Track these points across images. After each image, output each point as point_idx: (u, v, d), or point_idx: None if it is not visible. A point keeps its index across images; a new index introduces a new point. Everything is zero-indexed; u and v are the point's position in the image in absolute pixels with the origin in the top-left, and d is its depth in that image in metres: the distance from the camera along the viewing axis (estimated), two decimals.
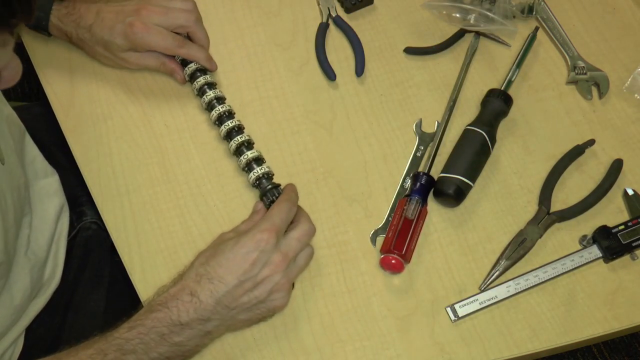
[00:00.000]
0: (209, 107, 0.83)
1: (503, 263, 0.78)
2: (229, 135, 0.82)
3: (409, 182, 0.83)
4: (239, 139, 0.81)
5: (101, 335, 0.68)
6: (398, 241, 0.77)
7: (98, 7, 0.83)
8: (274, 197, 0.78)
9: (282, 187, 0.80)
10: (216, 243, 0.73)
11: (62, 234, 0.86)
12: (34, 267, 0.79)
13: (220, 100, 0.84)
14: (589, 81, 0.90)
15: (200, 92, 0.84)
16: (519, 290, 0.77)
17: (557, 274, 0.78)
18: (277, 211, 0.72)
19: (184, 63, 0.86)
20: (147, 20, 0.81)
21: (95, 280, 0.87)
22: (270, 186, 0.79)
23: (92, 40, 0.83)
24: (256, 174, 0.80)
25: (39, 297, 0.81)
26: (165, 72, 0.87)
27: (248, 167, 0.80)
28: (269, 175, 0.80)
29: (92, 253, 0.88)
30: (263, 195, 0.79)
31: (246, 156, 0.80)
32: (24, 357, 0.80)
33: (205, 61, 0.85)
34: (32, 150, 0.86)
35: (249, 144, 0.82)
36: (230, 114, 0.83)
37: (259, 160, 0.81)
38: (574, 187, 0.84)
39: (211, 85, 0.84)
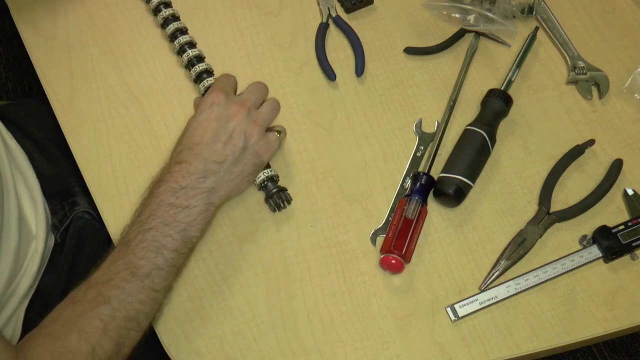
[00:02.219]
0: None
1: (503, 263, 0.78)
2: None
3: (409, 182, 0.83)
4: None
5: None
6: (398, 241, 0.77)
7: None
8: (280, 201, 0.79)
9: (287, 191, 0.81)
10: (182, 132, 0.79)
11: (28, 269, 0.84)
12: None
13: None
14: (589, 81, 0.90)
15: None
16: (519, 290, 0.77)
17: (557, 274, 0.78)
18: (219, 79, 0.82)
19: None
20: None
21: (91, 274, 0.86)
22: (275, 189, 0.80)
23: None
24: (262, 177, 0.80)
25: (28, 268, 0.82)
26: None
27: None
28: (274, 179, 0.81)
29: (86, 244, 0.88)
30: (269, 198, 0.80)
31: None
32: None
33: None
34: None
35: None
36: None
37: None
38: (574, 187, 0.84)
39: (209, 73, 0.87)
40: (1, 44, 1.80)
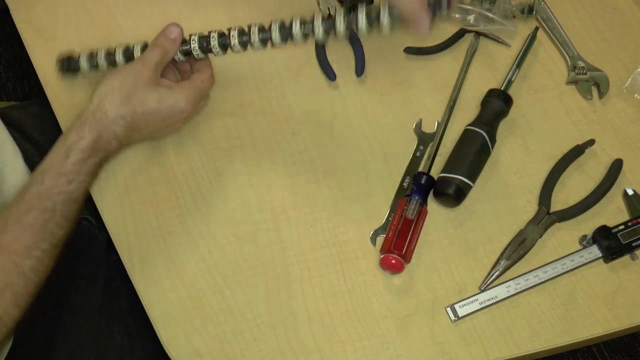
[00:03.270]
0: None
1: (503, 263, 0.78)
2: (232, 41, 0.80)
3: (409, 182, 0.83)
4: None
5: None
6: (398, 241, 0.77)
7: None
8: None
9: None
10: (135, 78, 0.75)
11: None
12: None
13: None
14: (589, 81, 0.90)
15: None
16: (519, 290, 0.77)
17: (557, 274, 0.78)
18: (205, 82, 0.79)
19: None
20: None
21: (89, 278, 0.86)
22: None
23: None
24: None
25: None
26: None
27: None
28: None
29: (84, 250, 0.88)
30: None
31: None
32: (14, 356, 0.79)
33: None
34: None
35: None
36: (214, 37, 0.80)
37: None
38: (574, 187, 0.84)
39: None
40: (1, 44, 1.80)
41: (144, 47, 0.79)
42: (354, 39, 0.91)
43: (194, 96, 0.77)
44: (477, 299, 0.77)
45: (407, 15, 0.73)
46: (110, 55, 0.81)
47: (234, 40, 0.79)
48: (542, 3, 0.94)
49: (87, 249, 0.88)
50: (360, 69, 0.89)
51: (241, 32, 0.79)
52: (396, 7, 0.74)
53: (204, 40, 0.79)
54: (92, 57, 0.82)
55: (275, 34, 0.79)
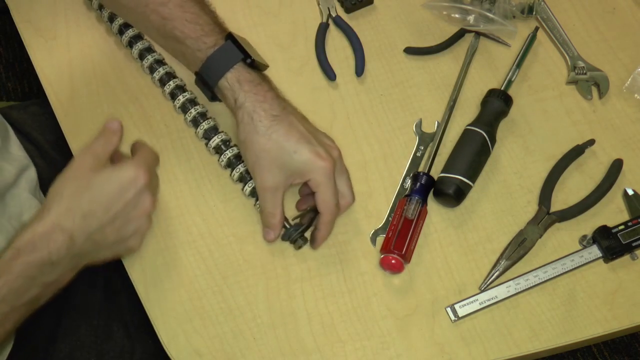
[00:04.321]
0: (194, 123, 0.83)
1: (503, 263, 0.78)
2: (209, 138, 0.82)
3: (409, 182, 0.83)
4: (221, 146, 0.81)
5: None
6: (398, 241, 0.77)
7: (286, 104, 0.77)
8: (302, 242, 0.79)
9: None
10: (81, 171, 0.68)
11: None
12: None
13: (202, 116, 0.83)
14: (589, 81, 0.90)
15: (194, 122, 0.83)
16: (519, 290, 0.77)
17: (557, 274, 0.78)
18: (150, 153, 0.72)
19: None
20: (332, 170, 0.75)
21: (89, 279, 0.86)
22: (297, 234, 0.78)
23: (266, 131, 0.74)
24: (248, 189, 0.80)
25: None
26: (269, 221, 0.78)
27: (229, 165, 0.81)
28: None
29: None
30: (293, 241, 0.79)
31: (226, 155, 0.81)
32: (14, 356, 0.79)
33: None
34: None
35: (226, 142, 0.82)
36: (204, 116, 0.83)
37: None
38: (574, 187, 0.84)
39: (204, 116, 0.83)
40: (1, 44, 1.80)
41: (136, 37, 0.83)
42: (354, 39, 0.91)
43: (142, 162, 0.70)
44: (477, 299, 0.77)
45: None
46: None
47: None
48: (542, 3, 0.94)
49: None
50: (360, 69, 0.90)
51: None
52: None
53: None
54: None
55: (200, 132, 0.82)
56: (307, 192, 0.80)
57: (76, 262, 0.68)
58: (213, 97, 0.79)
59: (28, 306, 0.66)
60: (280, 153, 0.74)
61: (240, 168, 0.80)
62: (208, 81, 0.77)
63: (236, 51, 0.76)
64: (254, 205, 0.80)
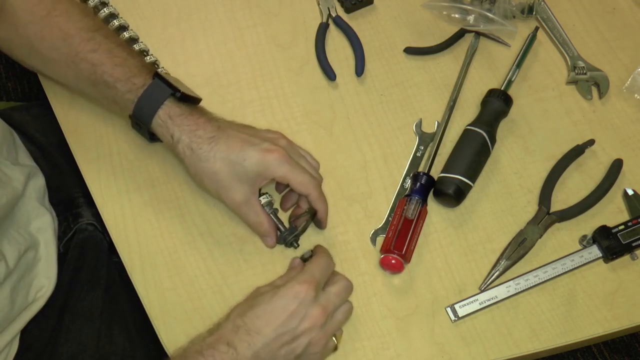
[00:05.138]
0: None
1: (503, 263, 0.78)
2: None
3: (409, 182, 0.83)
4: None
5: None
6: (398, 241, 0.77)
7: (220, 122, 0.76)
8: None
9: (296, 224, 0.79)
10: (252, 296, 0.72)
11: (48, 242, 0.84)
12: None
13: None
14: (589, 81, 0.90)
15: None
16: (519, 290, 0.77)
17: (557, 274, 0.78)
18: (317, 264, 0.72)
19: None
20: (288, 156, 0.75)
21: (91, 282, 0.86)
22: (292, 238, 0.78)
23: (208, 154, 0.74)
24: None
25: (34, 302, 0.81)
26: (258, 230, 0.78)
27: None
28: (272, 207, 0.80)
29: (88, 255, 0.88)
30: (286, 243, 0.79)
31: None
32: (18, 359, 0.79)
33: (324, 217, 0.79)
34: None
35: None
36: None
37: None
38: (574, 187, 0.84)
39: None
40: None
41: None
42: (354, 39, 0.91)
43: (308, 276, 0.70)
44: (477, 299, 0.77)
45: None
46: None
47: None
48: (542, 3, 0.94)
49: (91, 254, 0.88)
50: (360, 69, 0.90)
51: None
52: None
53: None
54: None
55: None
56: (283, 188, 0.81)
57: None
58: (151, 137, 0.79)
59: None
60: (232, 167, 0.73)
61: None
62: (142, 122, 0.76)
63: (164, 87, 0.75)
64: None
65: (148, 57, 0.86)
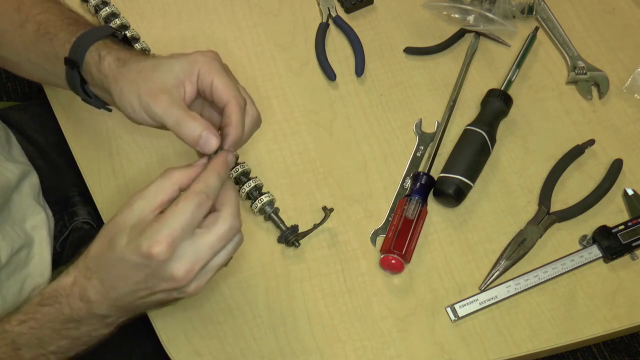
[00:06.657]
0: None
1: (503, 263, 0.78)
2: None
3: (409, 182, 0.83)
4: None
5: None
6: (398, 241, 0.77)
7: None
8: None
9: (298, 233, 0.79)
10: (115, 224, 0.60)
11: (42, 241, 0.83)
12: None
13: None
14: (589, 81, 0.90)
15: None
16: (519, 290, 0.77)
17: (557, 274, 0.78)
18: (181, 212, 0.57)
19: None
20: (220, 59, 0.68)
21: None
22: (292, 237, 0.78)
23: (138, 64, 0.65)
24: (259, 205, 0.79)
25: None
26: (188, 130, 0.66)
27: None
28: (272, 202, 0.79)
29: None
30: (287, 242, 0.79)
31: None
32: None
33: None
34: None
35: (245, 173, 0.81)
36: None
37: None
38: (574, 187, 0.84)
39: None
40: None
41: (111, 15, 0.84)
42: (354, 39, 0.91)
43: (165, 234, 0.57)
44: (477, 299, 0.77)
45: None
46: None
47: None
48: (542, 3, 0.94)
49: None
50: (360, 69, 0.90)
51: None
52: None
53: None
54: None
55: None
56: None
57: (104, 322, 0.63)
58: (83, 89, 0.71)
59: (58, 355, 0.64)
60: (157, 67, 0.64)
61: (246, 188, 0.79)
62: (75, 60, 0.67)
63: (108, 28, 0.69)
64: (250, 207, 0.79)
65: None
